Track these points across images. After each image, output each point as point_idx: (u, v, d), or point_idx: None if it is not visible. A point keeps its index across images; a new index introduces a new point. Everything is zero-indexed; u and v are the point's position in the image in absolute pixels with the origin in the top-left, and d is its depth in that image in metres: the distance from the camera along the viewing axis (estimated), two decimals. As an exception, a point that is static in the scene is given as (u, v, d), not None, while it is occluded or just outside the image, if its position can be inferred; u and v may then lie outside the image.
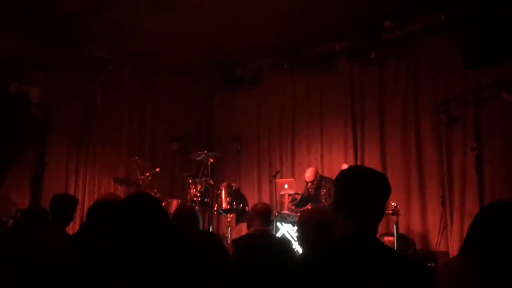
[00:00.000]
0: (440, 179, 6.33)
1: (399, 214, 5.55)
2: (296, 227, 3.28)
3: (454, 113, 6.27)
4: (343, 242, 1.74)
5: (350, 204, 1.76)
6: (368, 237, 1.74)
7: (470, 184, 5.98)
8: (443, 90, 6.42)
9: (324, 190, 6.59)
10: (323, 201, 6.58)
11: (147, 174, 7.52)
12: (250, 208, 3.96)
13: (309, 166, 7.38)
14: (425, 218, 6.43)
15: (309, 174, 6.73)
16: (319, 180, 6.72)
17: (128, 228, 2.09)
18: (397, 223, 5.41)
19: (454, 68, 6.23)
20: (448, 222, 6.16)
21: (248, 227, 3.77)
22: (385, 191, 1.81)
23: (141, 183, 7.52)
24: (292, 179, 7.29)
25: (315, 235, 2.81)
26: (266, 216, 3.72)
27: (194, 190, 7.03)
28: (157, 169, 7.55)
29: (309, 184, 6.75)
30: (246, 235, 3.66)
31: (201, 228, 3.65)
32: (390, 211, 5.53)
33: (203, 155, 7.26)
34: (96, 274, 2.23)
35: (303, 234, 2.93)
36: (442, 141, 6.36)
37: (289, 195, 6.88)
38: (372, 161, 6.95)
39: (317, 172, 6.77)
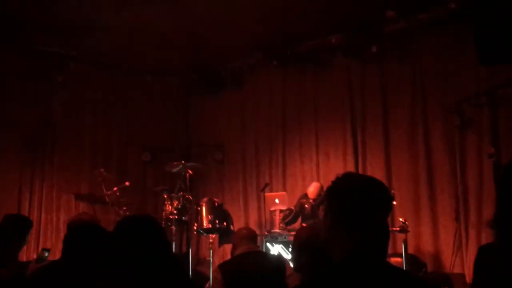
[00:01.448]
0: (454, 191, 6.35)
1: (408, 231, 5.54)
2: (290, 249, 3.23)
3: (468, 115, 6.29)
4: (347, 269, 1.68)
5: (347, 220, 1.71)
6: (377, 261, 1.69)
7: (488, 195, 5.99)
8: (454, 89, 6.45)
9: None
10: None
11: (115, 188, 7.41)
12: (234, 233, 3.98)
13: (303, 177, 7.41)
14: (437, 235, 6.43)
15: (312, 190, 6.73)
16: (322, 198, 6.64)
17: (122, 266, 2.00)
18: (405, 242, 5.40)
19: (466, 65, 6.28)
20: (463, 240, 6.15)
21: (232, 255, 3.74)
22: (386, 203, 1.77)
23: (107, 199, 7.41)
24: (284, 193, 7.26)
25: (314, 259, 2.82)
26: (253, 238, 3.76)
27: (170, 207, 6.94)
28: (126, 183, 7.45)
29: (310, 200, 6.72)
30: (236, 257, 3.60)
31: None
32: (398, 228, 5.51)
33: (180, 166, 7.19)
34: None
35: (300, 258, 2.91)
36: (455, 147, 6.37)
37: (281, 211, 6.85)
38: (375, 171, 6.93)
39: (321, 190, 6.75)
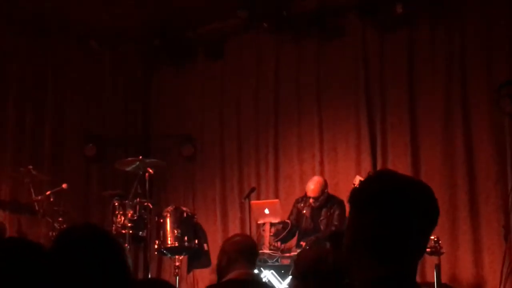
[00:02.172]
0: (502, 200, 6.36)
1: (442, 254, 5.59)
2: (289, 277, 3.31)
3: (523, 99, 6.33)
4: None
5: (381, 238, 1.69)
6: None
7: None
8: (505, 65, 6.48)
9: (328, 214, 6.67)
10: (322, 228, 6.63)
11: (48, 193, 7.31)
12: (223, 244, 3.90)
13: (301, 180, 7.40)
14: (479, 259, 6.46)
15: (313, 187, 6.73)
16: (325, 198, 6.72)
17: None
18: (438, 267, 5.49)
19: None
20: (515, 265, 6.20)
21: (224, 271, 3.65)
22: (434, 215, 1.74)
23: (37, 207, 7.30)
24: (276, 201, 7.25)
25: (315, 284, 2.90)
26: (252, 254, 3.74)
27: (123, 218, 6.93)
28: (64, 185, 7.38)
29: (311, 201, 6.75)
30: (227, 282, 3.56)
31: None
32: (428, 249, 5.50)
33: (136, 163, 7.20)
34: None
35: (300, 283, 3.00)
36: (505, 142, 6.41)
37: (272, 225, 6.83)
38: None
39: (325, 186, 6.78)
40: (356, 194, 1.78)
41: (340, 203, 6.55)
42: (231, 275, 3.57)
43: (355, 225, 1.75)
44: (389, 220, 1.68)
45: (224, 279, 3.61)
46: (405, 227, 1.68)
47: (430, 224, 1.73)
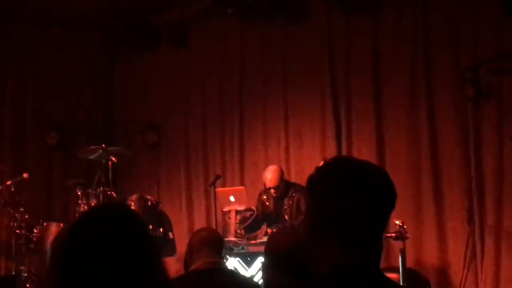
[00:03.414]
0: (466, 184, 6.42)
1: (407, 238, 5.58)
2: (261, 263, 3.26)
3: (485, 84, 6.36)
4: (335, 284, 1.69)
5: (339, 222, 1.71)
6: (373, 275, 1.71)
7: (511, 190, 6.10)
8: (469, 49, 6.51)
9: (290, 202, 6.71)
10: (287, 218, 6.65)
11: (8, 183, 7.26)
12: (191, 237, 3.92)
13: (267, 165, 7.31)
14: (443, 243, 6.51)
15: (270, 176, 6.74)
16: (285, 186, 6.74)
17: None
18: (403, 252, 5.43)
19: (485, 19, 6.32)
20: (478, 249, 6.25)
21: (188, 263, 3.69)
22: (390, 198, 1.77)
23: (-3, 197, 7.29)
24: (242, 188, 7.29)
25: (291, 273, 2.81)
26: (218, 245, 3.77)
27: (86, 207, 6.91)
28: (25, 175, 7.32)
29: (272, 191, 6.77)
30: (191, 272, 3.57)
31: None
32: (393, 234, 5.55)
33: (99, 151, 7.21)
34: None
35: (276, 278, 2.88)
36: (468, 127, 6.44)
37: (237, 212, 6.87)
38: (363, 158, 6.82)
39: (282, 174, 6.81)
40: (313, 180, 1.79)
41: (303, 188, 6.57)
42: (194, 265, 3.61)
43: (313, 211, 1.77)
44: (345, 205, 1.70)
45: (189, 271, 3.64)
46: (361, 211, 1.70)
47: (387, 207, 1.75)
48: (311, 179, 1.79)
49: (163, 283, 1.83)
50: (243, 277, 4.46)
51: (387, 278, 1.73)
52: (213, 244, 3.71)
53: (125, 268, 1.73)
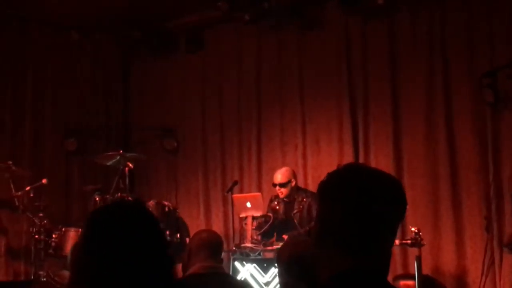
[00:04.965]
0: (484, 190, 6.41)
1: (423, 245, 5.59)
2: (277, 271, 3.32)
3: (505, 89, 6.35)
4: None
5: (346, 229, 1.72)
6: (376, 283, 1.70)
7: (530, 197, 6.12)
8: (486, 54, 6.50)
9: (300, 207, 6.71)
10: (295, 222, 6.66)
11: (27, 188, 7.31)
12: (190, 239, 4.03)
13: None
14: (461, 250, 6.50)
15: (279, 174, 6.80)
16: (294, 189, 6.80)
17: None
18: (418, 259, 5.44)
19: (505, 22, 6.31)
20: (496, 256, 6.22)
21: (186, 267, 3.74)
22: (400, 208, 1.78)
23: (17, 203, 7.31)
24: (258, 194, 7.26)
25: (301, 280, 2.90)
26: (216, 248, 3.78)
27: None
28: (44, 181, 7.37)
29: (280, 191, 6.79)
30: (187, 277, 3.59)
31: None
32: (409, 241, 5.59)
33: (117, 157, 7.22)
34: None
35: (287, 280, 3.00)
36: (487, 133, 6.43)
37: (254, 218, 6.84)
38: (380, 164, 6.96)
39: (293, 174, 6.84)
40: (323, 187, 1.80)
41: (314, 195, 6.55)
42: (191, 269, 3.64)
43: (322, 218, 1.78)
44: (354, 212, 1.70)
45: (185, 275, 3.67)
46: (370, 219, 1.70)
47: (396, 217, 1.77)
48: (322, 185, 1.81)
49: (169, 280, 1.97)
50: (238, 281, 4.49)
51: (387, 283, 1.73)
52: (211, 247, 3.72)
53: (137, 260, 1.89)
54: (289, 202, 6.81)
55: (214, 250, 3.75)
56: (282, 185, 6.74)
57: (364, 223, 1.70)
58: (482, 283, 6.27)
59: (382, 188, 1.75)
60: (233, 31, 8.28)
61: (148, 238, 1.95)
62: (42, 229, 7.00)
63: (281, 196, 6.82)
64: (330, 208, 1.76)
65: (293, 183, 6.79)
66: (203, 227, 8.09)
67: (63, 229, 7.03)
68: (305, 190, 6.85)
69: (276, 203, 6.94)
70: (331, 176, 1.80)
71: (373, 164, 7.03)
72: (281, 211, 6.86)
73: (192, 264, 3.66)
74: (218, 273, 3.72)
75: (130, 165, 7.15)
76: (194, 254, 3.68)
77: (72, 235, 6.89)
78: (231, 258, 6.34)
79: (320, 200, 1.81)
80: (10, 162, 7.41)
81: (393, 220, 1.76)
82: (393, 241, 1.78)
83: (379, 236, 1.72)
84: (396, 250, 6.62)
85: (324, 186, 1.80)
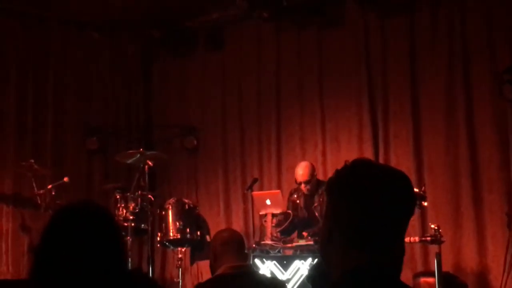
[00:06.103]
0: (505, 187, 6.40)
1: (443, 242, 5.56)
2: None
3: (525, 85, 6.35)
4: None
5: (355, 226, 1.71)
6: (385, 280, 1.68)
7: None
8: (506, 50, 6.51)
9: (320, 200, 6.68)
10: (317, 215, 6.65)
11: (49, 186, 7.40)
12: (212, 238, 4.04)
13: None
14: (482, 247, 6.49)
15: (302, 171, 6.76)
16: (316, 183, 6.76)
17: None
18: (438, 256, 5.42)
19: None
20: (518, 253, 6.25)
21: (213, 268, 3.75)
22: (409, 204, 1.76)
23: (39, 201, 7.39)
24: (278, 192, 7.24)
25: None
26: (241, 247, 3.80)
27: (124, 211, 7.02)
28: (65, 179, 7.45)
29: (303, 186, 6.77)
30: (216, 278, 3.60)
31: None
32: (429, 238, 5.57)
33: (138, 155, 7.24)
34: None
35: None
36: (507, 129, 6.44)
37: (273, 215, 6.82)
38: (401, 162, 6.99)
39: (314, 169, 6.81)
40: (331, 182, 1.79)
41: None
42: (219, 270, 3.65)
43: (330, 213, 1.77)
44: (362, 208, 1.69)
45: (213, 276, 3.69)
46: (378, 215, 1.68)
47: (405, 213, 1.74)
48: (330, 181, 1.80)
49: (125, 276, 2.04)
50: (269, 278, 4.48)
51: (404, 285, 1.71)
52: (235, 245, 3.74)
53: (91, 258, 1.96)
54: (309, 195, 6.79)
55: (237, 248, 3.76)
56: (306, 182, 6.73)
57: (373, 219, 1.69)
58: (504, 281, 6.26)
59: (390, 184, 1.73)
60: (252, 29, 8.32)
61: (100, 243, 2.00)
62: (64, 227, 7.10)
63: (306, 192, 6.78)
64: (338, 204, 1.76)
65: (315, 178, 6.77)
66: (223, 225, 8.14)
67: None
68: (323, 182, 6.76)
69: (296, 196, 6.91)
70: (339, 172, 1.78)
71: (393, 162, 7.07)
72: (301, 204, 6.84)
73: (219, 266, 3.67)
74: (247, 273, 3.72)
75: (150, 163, 7.16)
76: (219, 255, 3.70)
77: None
78: (251, 255, 6.35)
79: (328, 197, 1.81)
80: (32, 161, 7.50)
81: (401, 216, 1.74)
82: (403, 237, 1.76)
83: (388, 232, 1.71)
84: (416, 247, 6.66)
85: (332, 182, 1.79)
